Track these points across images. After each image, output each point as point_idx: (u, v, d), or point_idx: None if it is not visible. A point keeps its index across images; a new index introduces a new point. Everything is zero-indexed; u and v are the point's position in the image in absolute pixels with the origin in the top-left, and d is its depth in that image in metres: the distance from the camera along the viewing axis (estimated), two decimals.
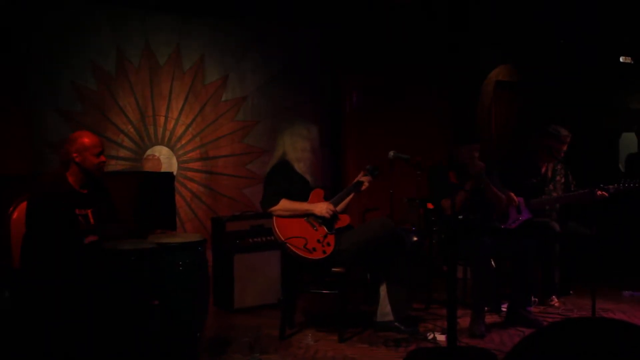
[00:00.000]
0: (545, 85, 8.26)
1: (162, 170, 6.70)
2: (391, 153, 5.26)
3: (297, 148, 5.07)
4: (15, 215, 4.33)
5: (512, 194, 5.51)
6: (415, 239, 6.04)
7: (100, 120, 6.40)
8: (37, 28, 6.11)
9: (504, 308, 5.49)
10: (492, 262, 5.24)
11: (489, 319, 5.29)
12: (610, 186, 5.69)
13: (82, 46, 6.33)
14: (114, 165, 6.41)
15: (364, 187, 5.20)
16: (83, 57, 6.34)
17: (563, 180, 6.11)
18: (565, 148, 6.00)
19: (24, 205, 4.24)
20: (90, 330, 3.81)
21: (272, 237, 5.06)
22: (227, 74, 7.07)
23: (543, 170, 6.09)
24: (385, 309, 5.06)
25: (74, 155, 4.19)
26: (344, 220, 5.04)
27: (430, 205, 6.14)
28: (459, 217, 5.05)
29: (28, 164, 6.00)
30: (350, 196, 5.21)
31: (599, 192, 5.65)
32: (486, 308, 5.23)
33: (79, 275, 3.88)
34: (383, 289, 5.07)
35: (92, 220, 4.22)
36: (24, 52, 6.06)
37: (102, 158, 4.28)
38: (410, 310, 5.27)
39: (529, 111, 8.48)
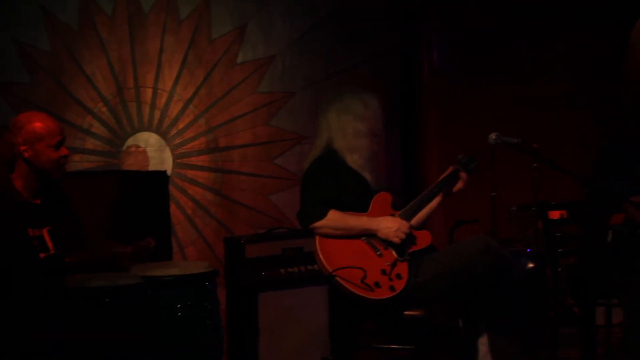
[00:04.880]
0: None
1: (150, 168, 6.73)
2: (492, 136, 5.24)
3: (349, 132, 5.02)
4: None
5: None
6: (530, 265, 6.04)
7: (57, 96, 6.45)
8: None
9: None
10: None
11: None
12: None
13: None
14: (79, 163, 6.46)
15: (455, 189, 5.20)
16: (29, 5, 6.39)
17: None
18: None
19: None
20: None
21: (316, 266, 5.02)
22: (245, 23, 7.09)
23: None
24: None
25: (22, 148, 4.23)
26: (423, 240, 5.00)
27: (553, 215, 6.09)
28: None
29: None
30: (434, 202, 5.19)
31: None
32: None
33: (38, 326, 3.85)
34: (483, 342, 5.03)
35: (49, 244, 4.24)
36: None
37: (64, 151, 4.32)
38: None
39: None
